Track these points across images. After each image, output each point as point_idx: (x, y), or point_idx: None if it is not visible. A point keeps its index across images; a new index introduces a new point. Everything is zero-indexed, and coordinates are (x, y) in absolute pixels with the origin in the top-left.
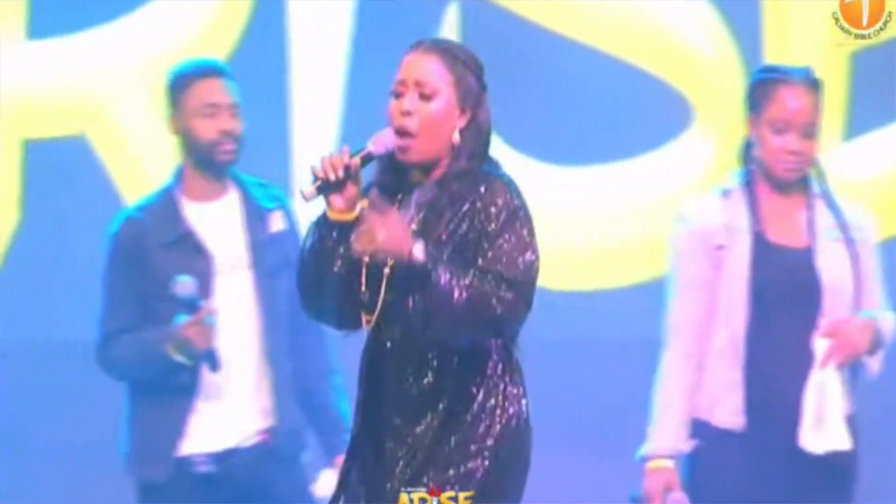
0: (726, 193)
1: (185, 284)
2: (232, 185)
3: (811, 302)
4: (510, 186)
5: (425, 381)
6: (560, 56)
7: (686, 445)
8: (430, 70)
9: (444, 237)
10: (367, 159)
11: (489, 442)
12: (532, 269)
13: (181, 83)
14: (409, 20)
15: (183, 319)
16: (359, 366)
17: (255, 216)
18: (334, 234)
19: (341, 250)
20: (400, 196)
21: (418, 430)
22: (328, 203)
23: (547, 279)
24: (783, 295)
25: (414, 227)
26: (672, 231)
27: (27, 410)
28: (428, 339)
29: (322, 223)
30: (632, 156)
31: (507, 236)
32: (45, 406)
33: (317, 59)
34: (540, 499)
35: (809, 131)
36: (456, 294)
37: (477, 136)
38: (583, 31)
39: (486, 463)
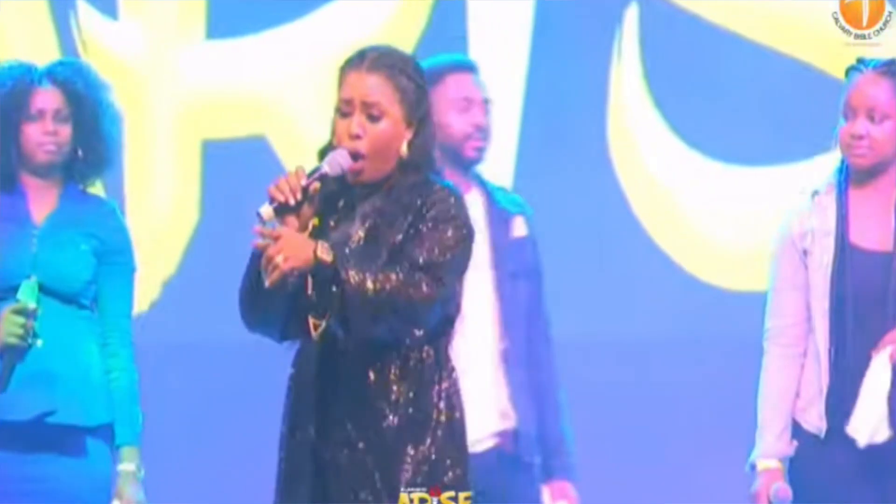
0: (816, 195)
1: None
2: (475, 185)
3: (892, 307)
4: (453, 196)
5: (378, 382)
6: (739, 56)
7: (790, 449)
8: (377, 90)
9: (397, 242)
10: (322, 181)
11: (438, 441)
12: (449, 262)
13: (434, 77)
14: (589, 20)
15: None
16: (293, 374)
17: (499, 218)
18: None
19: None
20: (341, 203)
21: (371, 434)
22: (283, 223)
23: (718, 277)
24: (864, 299)
25: (360, 234)
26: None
27: (211, 410)
28: (354, 338)
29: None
30: (804, 158)
31: (433, 234)
32: (229, 405)
33: (496, 59)
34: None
35: (875, 116)
36: (368, 285)
37: (424, 147)
38: (762, 32)
39: (441, 461)
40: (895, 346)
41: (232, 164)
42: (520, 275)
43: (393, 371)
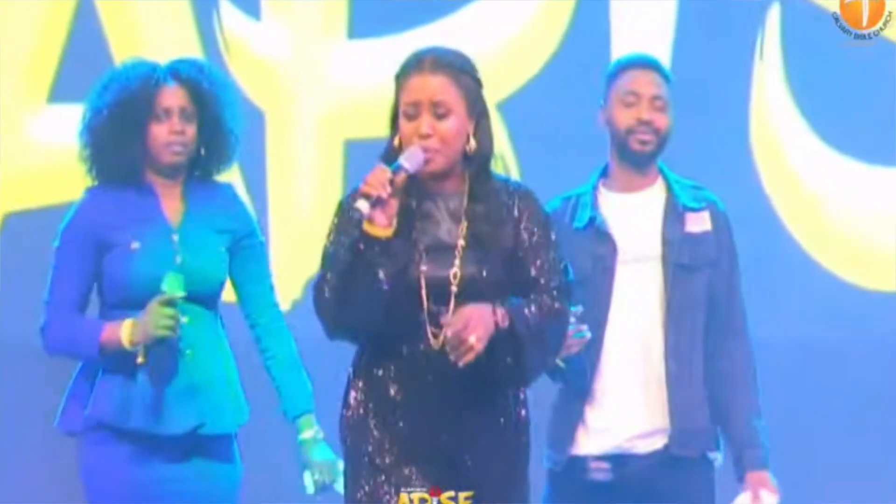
0: None
1: None
2: (660, 179)
3: None
4: (537, 199)
5: (475, 392)
6: (879, 55)
7: None
8: (442, 90)
9: (507, 248)
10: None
11: (516, 453)
12: (564, 275)
13: (611, 74)
14: (731, 20)
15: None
16: (390, 374)
17: (674, 213)
18: (376, 248)
19: (385, 266)
20: (414, 203)
21: (461, 438)
22: (371, 219)
23: (862, 278)
24: None
25: (462, 240)
26: None
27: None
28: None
29: (360, 239)
30: None
31: (542, 250)
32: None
33: None
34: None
35: None
36: (543, 333)
37: (487, 140)
38: None
39: (512, 472)
40: None
41: (374, 163)
42: (695, 269)
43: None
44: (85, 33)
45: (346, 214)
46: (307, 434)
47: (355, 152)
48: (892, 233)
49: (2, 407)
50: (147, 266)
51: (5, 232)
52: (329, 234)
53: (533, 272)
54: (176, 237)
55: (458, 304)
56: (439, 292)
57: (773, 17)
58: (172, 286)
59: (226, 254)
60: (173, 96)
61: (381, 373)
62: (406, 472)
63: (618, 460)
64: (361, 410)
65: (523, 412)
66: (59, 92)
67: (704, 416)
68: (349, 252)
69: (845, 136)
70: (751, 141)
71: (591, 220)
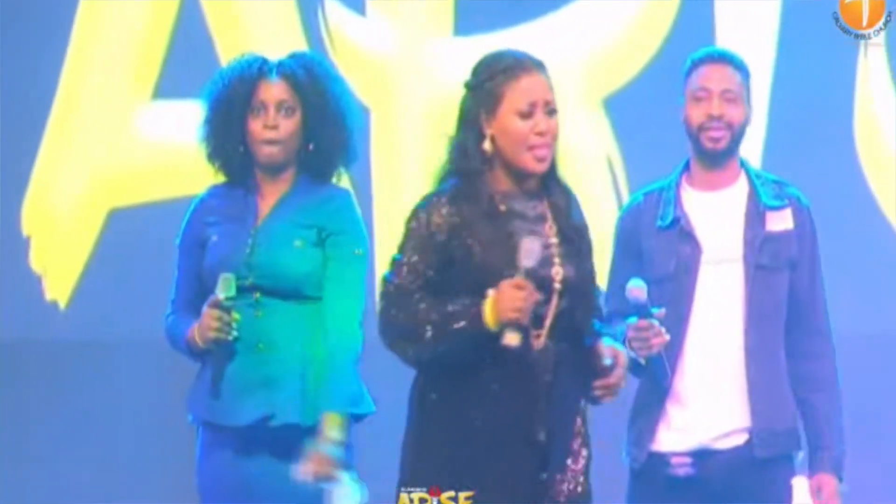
0: None
1: (638, 289)
2: (742, 176)
3: None
4: None
5: (568, 390)
6: None
7: None
8: (549, 89)
9: (590, 251)
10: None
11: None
12: None
13: (686, 71)
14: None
15: (633, 321)
16: (487, 374)
17: (755, 212)
18: (485, 335)
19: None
20: (504, 207)
21: (562, 444)
22: (509, 348)
23: None
24: None
25: (554, 237)
26: None
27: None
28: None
29: (480, 332)
30: None
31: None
32: None
33: (743, 57)
34: None
35: None
36: None
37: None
38: None
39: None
40: None
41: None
42: (776, 269)
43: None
44: (190, 30)
45: (424, 234)
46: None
47: None
48: None
49: (115, 398)
50: (217, 260)
51: (110, 228)
52: (409, 241)
53: (592, 270)
54: (254, 231)
55: (560, 302)
56: (541, 291)
57: None
58: (222, 288)
59: (309, 247)
60: (271, 90)
61: (478, 372)
62: (494, 468)
63: (700, 456)
64: (456, 404)
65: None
66: (165, 89)
67: (788, 417)
68: (459, 337)
69: None
70: (855, 137)
71: (676, 219)
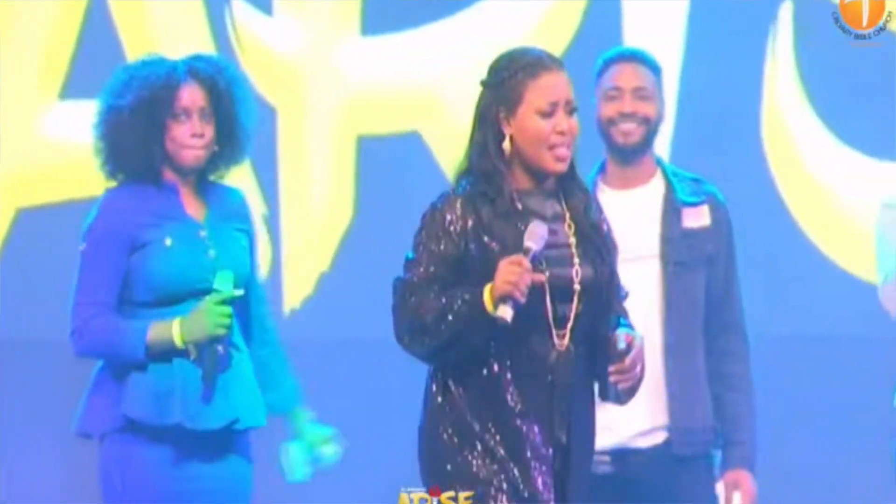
0: None
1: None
2: (658, 173)
3: None
4: None
5: (587, 392)
6: (890, 51)
7: None
8: (569, 88)
9: (609, 251)
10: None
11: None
12: None
13: (598, 71)
14: (743, 19)
15: None
16: (507, 375)
17: (671, 209)
18: (487, 322)
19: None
20: (520, 206)
21: (582, 446)
22: (501, 320)
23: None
24: None
25: (572, 237)
26: (879, 217)
27: (355, 407)
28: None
29: (481, 316)
30: None
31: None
32: (376, 402)
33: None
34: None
35: None
36: None
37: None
38: None
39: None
40: None
41: (386, 160)
42: (693, 266)
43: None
44: (96, 29)
45: (440, 231)
46: (306, 416)
47: (368, 148)
48: None
49: (24, 398)
50: (182, 262)
51: (17, 227)
52: (424, 239)
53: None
54: (204, 233)
55: (581, 302)
56: (560, 293)
57: (786, 14)
58: (225, 283)
59: (249, 251)
60: (192, 96)
61: (496, 373)
62: (517, 468)
63: (619, 454)
64: (468, 411)
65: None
66: (71, 89)
67: (706, 414)
68: (463, 319)
69: (857, 132)
70: (763, 138)
71: None
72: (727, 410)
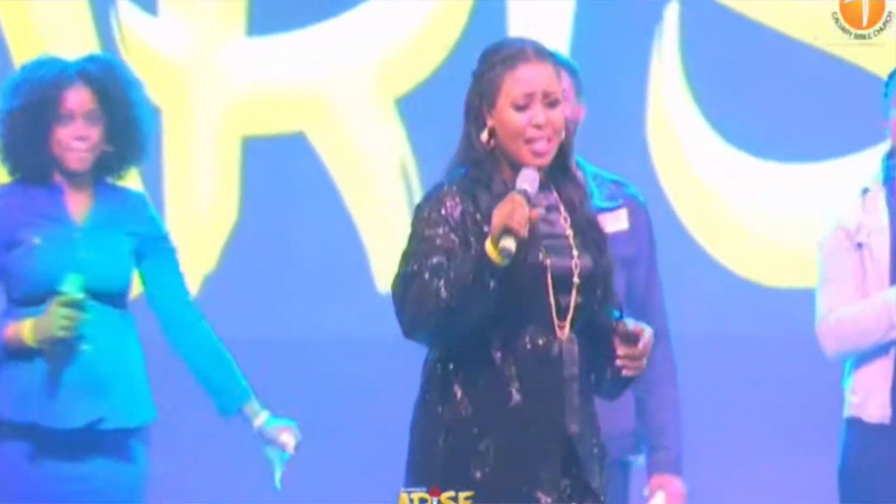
0: (866, 192)
1: None
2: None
3: None
4: None
5: (588, 383)
6: (777, 52)
7: None
8: (552, 78)
9: (604, 243)
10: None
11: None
12: None
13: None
14: (629, 19)
15: None
16: (509, 367)
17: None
18: (497, 277)
19: (496, 289)
20: (493, 188)
21: (593, 438)
22: (508, 253)
23: (759, 274)
24: None
25: (570, 229)
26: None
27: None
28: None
29: (488, 269)
30: (846, 154)
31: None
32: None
33: None
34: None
35: None
36: None
37: (574, 127)
38: (801, 28)
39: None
40: None
41: (272, 161)
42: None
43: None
44: None
45: (436, 216)
46: (262, 416)
47: (253, 149)
48: (789, 229)
49: None
50: (47, 262)
51: None
52: (418, 233)
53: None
54: (78, 235)
55: (580, 294)
56: (561, 283)
57: (672, 14)
58: (71, 287)
59: (132, 255)
60: (78, 99)
61: (497, 366)
62: (528, 470)
63: None
64: (468, 409)
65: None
66: None
67: (627, 420)
68: (471, 274)
69: (744, 132)
70: (648, 138)
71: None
72: (651, 415)
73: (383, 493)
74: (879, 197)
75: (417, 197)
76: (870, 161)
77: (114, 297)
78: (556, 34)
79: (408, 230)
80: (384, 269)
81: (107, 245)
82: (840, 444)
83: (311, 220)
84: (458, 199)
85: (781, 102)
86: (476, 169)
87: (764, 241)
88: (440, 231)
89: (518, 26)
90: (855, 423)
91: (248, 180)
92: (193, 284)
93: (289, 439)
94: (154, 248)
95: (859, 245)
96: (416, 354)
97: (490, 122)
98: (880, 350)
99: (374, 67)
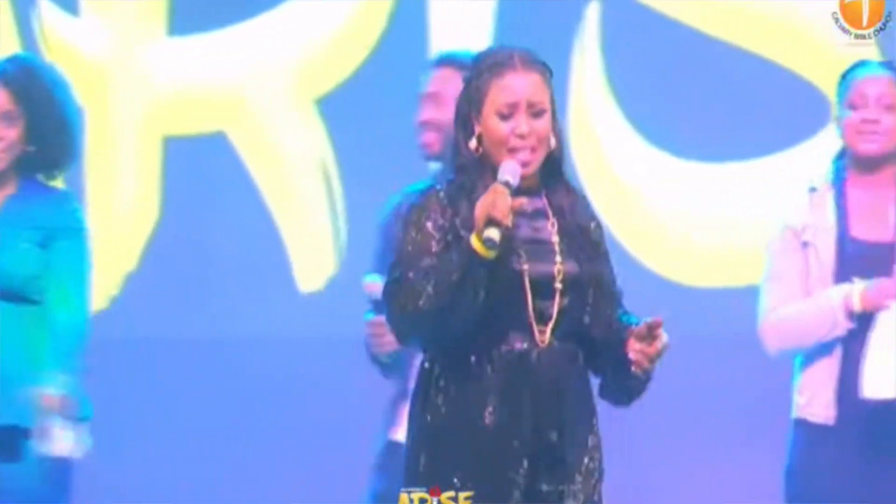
0: (813, 191)
1: (372, 284)
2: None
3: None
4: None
5: (577, 390)
6: (699, 53)
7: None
8: (539, 88)
9: (595, 241)
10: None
11: (600, 449)
12: None
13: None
14: (550, 19)
15: (369, 316)
16: (488, 374)
17: None
18: (484, 269)
19: (484, 281)
20: (474, 198)
21: (580, 447)
22: (492, 244)
23: (682, 274)
24: None
25: (555, 237)
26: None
27: (168, 405)
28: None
29: (472, 260)
30: (771, 153)
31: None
32: (183, 403)
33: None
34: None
35: (888, 106)
36: None
37: (563, 136)
38: (723, 28)
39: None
40: None
41: (192, 161)
42: None
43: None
44: None
45: (424, 221)
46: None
47: (174, 148)
48: (710, 228)
49: None
50: None
51: None
52: (406, 240)
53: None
54: None
55: (563, 299)
56: (542, 288)
57: (593, 14)
58: None
59: (34, 249)
60: None
61: (475, 371)
62: (506, 476)
63: None
64: (450, 416)
65: (594, 417)
66: None
67: None
68: (455, 271)
69: (664, 132)
70: (570, 138)
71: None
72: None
73: (301, 490)
74: (827, 196)
75: (338, 196)
76: (790, 161)
77: (12, 293)
78: (477, 34)
79: (327, 230)
80: (305, 268)
81: (5, 242)
82: (788, 445)
83: (232, 219)
84: (443, 205)
85: (702, 102)
86: (462, 175)
87: (685, 241)
88: (427, 236)
89: (439, 26)
90: (801, 424)
91: (168, 180)
92: (114, 283)
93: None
94: (58, 239)
95: (805, 244)
96: (337, 355)
97: (478, 129)
98: (825, 350)
99: (295, 67)
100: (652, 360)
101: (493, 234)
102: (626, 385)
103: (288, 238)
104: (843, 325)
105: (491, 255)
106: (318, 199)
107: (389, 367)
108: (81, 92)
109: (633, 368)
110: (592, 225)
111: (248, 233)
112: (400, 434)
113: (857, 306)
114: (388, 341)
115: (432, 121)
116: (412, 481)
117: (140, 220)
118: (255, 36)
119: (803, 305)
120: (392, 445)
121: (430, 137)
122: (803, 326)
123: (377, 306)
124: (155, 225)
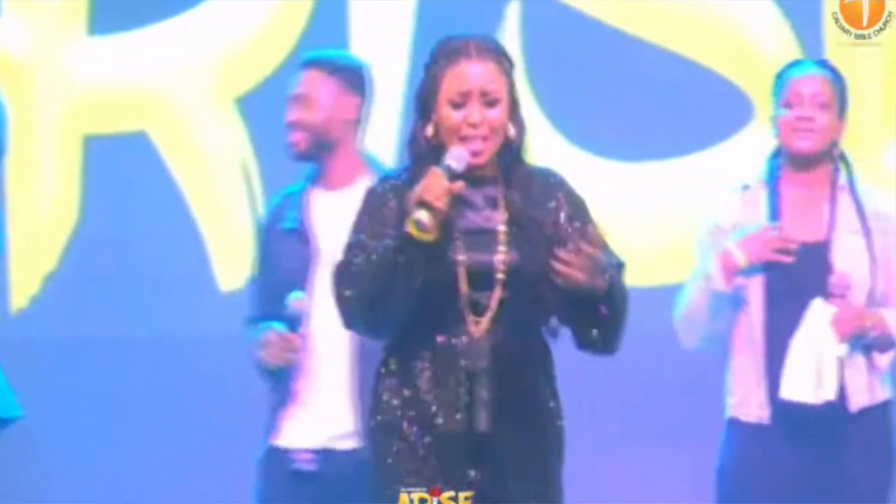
0: (746, 189)
1: (298, 301)
2: (368, 174)
3: (825, 296)
4: (567, 180)
5: (541, 379)
6: (620, 52)
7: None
8: (492, 77)
9: (549, 233)
10: (454, 180)
11: (549, 444)
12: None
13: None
14: (471, 19)
15: (279, 327)
16: (424, 367)
17: None
18: (420, 251)
19: (421, 265)
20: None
21: (502, 430)
22: (422, 226)
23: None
24: (798, 289)
25: (503, 226)
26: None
27: (88, 406)
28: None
29: (407, 243)
30: (691, 152)
31: (590, 225)
32: (104, 402)
33: (377, 57)
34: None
35: (823, 104)
36: (624, 300)
37: (523, 125)
38: (643, 27)
39: (548, 465)
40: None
41: (113, 160)
42: None
43: (547, 366)
44: None
45: (376, 207)
46: None
47: (94, 147)
48: (631, 228)
49: None
50: None
51: None
52: (357, 225)
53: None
54: None
55: (504, 290)
56: (481, 279)
57: (513, 13)
58: None
59: None
60: None
61: (414, 367)
62: (442, 467)
63: (323, 454)
64: (395, 412)
65: (552, 403)
66: None
67: None
68: (390, 253)
69: (585, 131)
70: None
71: (299, 222)
72: None
73: (223, 489)
74: (761, 195)
75: (258, 196)
76: (711, 160)
77: None
78: (397, 34)
79: (248, 229)
80: (225, 267)
81: None
82: (720, 444)
83: (153, 218)
84: (392, 196)
85: (622, 101)
86: (415, 165)
87: (612, 242)
88: (377, 222)
89: (359, 26)
90: (734, 423)
91: (89, 179)
92: (34, 283)
93: None
94: None
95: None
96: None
97: (434, 117)
98: (749, 350)
99: (215, 67)
100: (584, 270)
101: (423, 216)
102: (582, 317)
103: (208, 237)
104: (719, 281)
105: (425, 237)
106: (239, 198)
107: (275, 374)
108: (1, 91)
109: (560, 282)
110: (562, 216)
111: (169, 232)
112: (281, 440)
113: (741, 260)
114: (289, 357)
115: (299, 122)
116: (374, 480)
117: (60, 219)
118: (176, 35)
119: (688, 287)
120: (272, 451)
121: (297, 137)
122: (692, 306)
123: (293, 322)
124: (75, 224)
